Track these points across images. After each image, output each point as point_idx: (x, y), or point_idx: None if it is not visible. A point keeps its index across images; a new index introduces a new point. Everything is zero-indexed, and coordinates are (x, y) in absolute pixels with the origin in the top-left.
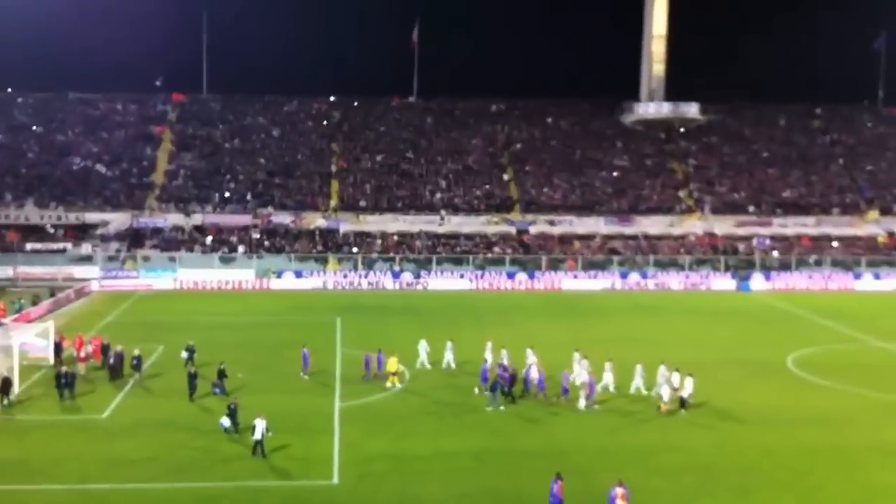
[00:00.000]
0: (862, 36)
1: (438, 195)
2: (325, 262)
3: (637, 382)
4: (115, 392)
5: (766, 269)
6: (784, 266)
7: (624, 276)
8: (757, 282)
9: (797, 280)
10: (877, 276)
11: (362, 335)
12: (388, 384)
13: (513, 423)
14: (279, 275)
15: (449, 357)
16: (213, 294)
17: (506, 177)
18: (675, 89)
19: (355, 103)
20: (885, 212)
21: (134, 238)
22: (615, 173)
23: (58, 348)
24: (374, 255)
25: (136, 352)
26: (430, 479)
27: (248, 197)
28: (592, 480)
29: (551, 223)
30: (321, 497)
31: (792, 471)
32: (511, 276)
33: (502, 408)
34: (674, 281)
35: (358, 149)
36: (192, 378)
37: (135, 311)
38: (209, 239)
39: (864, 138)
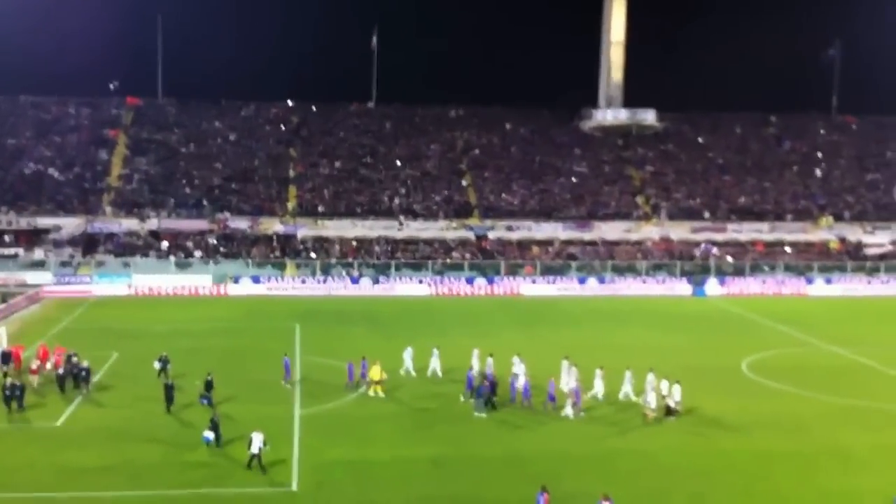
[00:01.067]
0: (816, 45)
1: (397, 201)
2: (283, 267)
3: (626, 389)
4: (67, 402)
5: (721, 275)
6: (738, 271)
7: (582, 281)
8: (712, 287)
9: (751, 285)
10: (828, 282)
11: (322, 341)
12: (371, 392)
13: (473, 429)
14: (236, 280)
15: (435, 364)
16: (168, 300)
17: (464, 182)
18: (632, 96)
19: (313, 108)
20: (837, 218)
21: (87, 243)
22: (574, 179)
23: (6, 357)
24: (333, 261)
25: (85, 363)
26: (388, 485)
27: (205, 202)
28: (551, 487)
29: (510, 229)
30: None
31: (747, 475)
32: (470, 281)
33: (483, 415)
34: (631, 286)
35: (316, 154)
36: (170, 389)
37: (88, 317)
38: (164, 244)
39: (818, 146)
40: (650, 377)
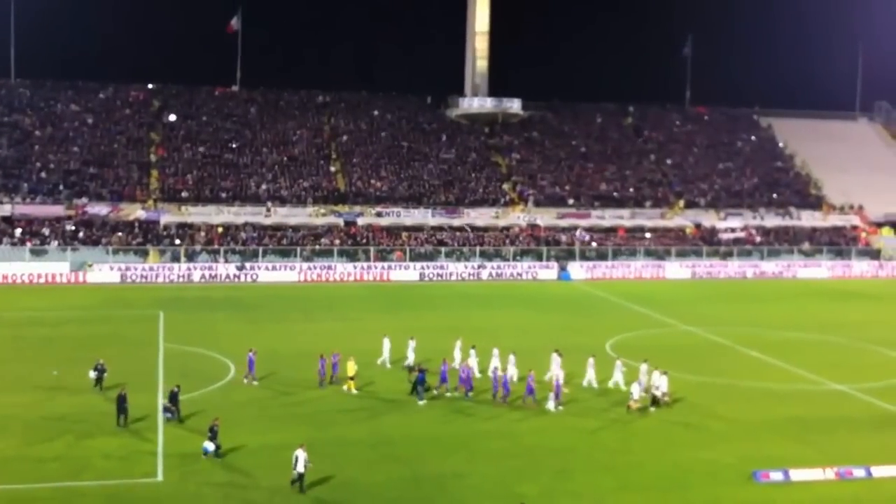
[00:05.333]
0: (670, 40)
1: (264, 186)
2: (145, 254)
3: (617, 377)
4: None
5: (585, 259)
6: (601, 256)
7: (451, 266)
8: (576, 271)
9: (613, 269)
10: (684, 265)
11: (187, 330)
12: (345, 388)
13: (341, 413)
14: (95, 268)
15: (411, 356)
16: (23, 288)
17: (333, 168)
18: (497, 85)
19: (174, 91)
20: (691, 205)
21: None
22: (442, 166)
23: None
24: (198, 248)
25: None
26: (256, 472)
27: (61, 187)
28: (418, 468)
29: (379, 215)
30: (144, 495)
31: (610, 451)
32: (340, 267)
33: (423, 402)
34: (499, 271)
35: (178, 138)
36: (122, 401)
37: None
38: (18, 231)
39: (673, 136)
40: (643, 367)
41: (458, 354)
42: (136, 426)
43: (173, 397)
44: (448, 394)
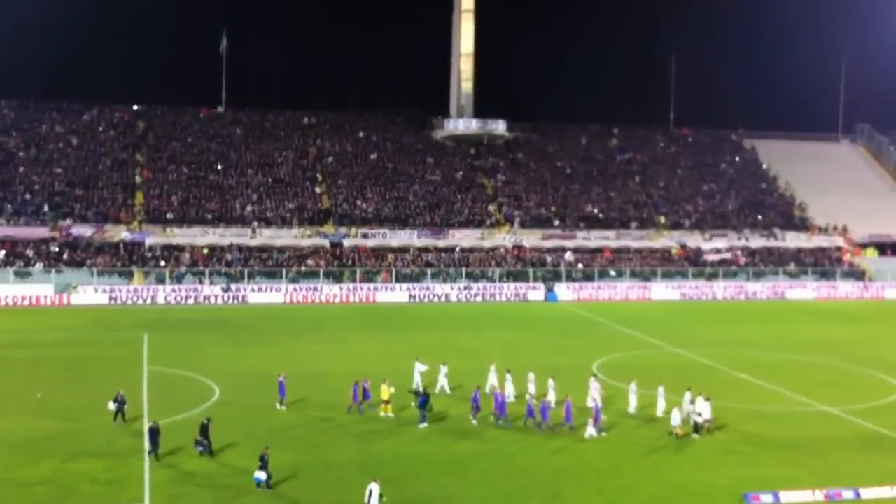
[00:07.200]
0: (654, 62)
1: (249, 208)
2: (130, 276)
3: (661, 405)
4: None
5: (572, 280)
6: (587, 277)
7: (438, 287)
8: (563, 292)
9: (600, 290)
10: (670, 286)
11: (172, 352)
12: (382, 413)
13: (332, 436)
14: (80, 290)
15: (443, 381)
16: (7, 310)
17: (318, 190)
18: (483, 107)
19: (159, 112)
20: (676, 226)
21: None
22: (427, 187)
23: None
24: (183, 269)
25: None
26: (245, 495)
27: (45, 208)
28: (407, 490)
29: (365, 236)
30: None
31: (601, 472)
32: (326, 289)
33: (424, 425)
34: (485, 292)
35: (164, 159)
36: (154, 434)
37: None
38: (2, 253)
39: (658, 157)
40: (687, 395)
41: (492, 378)
42: (122, 448)
43: (204, 430)
44: (475, 421)
